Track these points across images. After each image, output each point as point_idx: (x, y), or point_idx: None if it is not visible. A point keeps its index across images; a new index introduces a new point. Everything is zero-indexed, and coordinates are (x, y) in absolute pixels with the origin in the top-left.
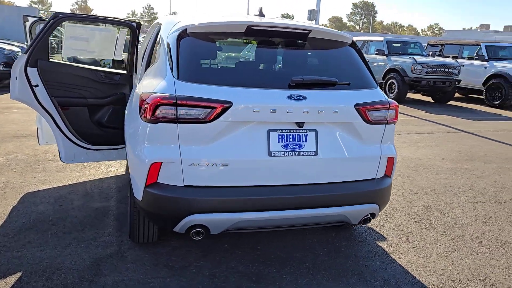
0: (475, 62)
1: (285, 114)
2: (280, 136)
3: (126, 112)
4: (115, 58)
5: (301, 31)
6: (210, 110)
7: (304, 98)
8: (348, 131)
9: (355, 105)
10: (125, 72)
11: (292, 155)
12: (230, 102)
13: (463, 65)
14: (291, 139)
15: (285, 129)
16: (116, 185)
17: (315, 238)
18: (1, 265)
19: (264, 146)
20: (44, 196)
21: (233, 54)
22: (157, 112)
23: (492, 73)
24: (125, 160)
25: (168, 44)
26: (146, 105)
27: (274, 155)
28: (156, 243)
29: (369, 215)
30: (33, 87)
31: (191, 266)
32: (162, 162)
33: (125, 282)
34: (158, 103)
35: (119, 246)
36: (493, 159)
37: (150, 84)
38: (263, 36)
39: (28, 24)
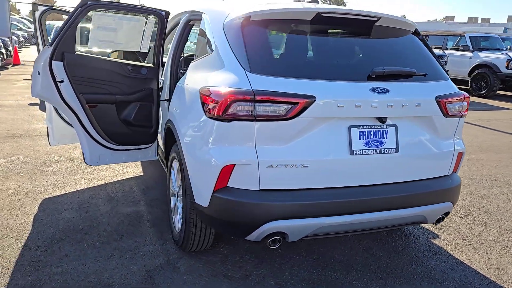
0: (460, 53)
1: (369, 108)
2: (361, 133)
3: (173, 109)
4: (142, 50)
5: (370, 19)
6: (291, 106)
7: (387, 91)
8: (426, 126)
9: (436, 97)
10: (152, 65)
11: (373, 153)
12: (313, 97)
13: None
14: (372, 136)
15: (366, 125)
16: (139, 187)
17: (367, 238)
18: (42, 284)
19: (345, 144)
20: (65, 202)
21: (302, 44)
22: (231, 109)
23: (477, 63)
24: (140, 161)
25: (227, 33)
26: (214, 102)
27: (356, 154)
28: (205, 251)
29: (444, 214)
30: (58, 83)
31: (252, 275)
32: (235, 165)
33: None
34: (233, 100)
35: (167, 255)
36: (502, 149)
37: (210, 78)
38: (331, 23)
39: (37, 14)
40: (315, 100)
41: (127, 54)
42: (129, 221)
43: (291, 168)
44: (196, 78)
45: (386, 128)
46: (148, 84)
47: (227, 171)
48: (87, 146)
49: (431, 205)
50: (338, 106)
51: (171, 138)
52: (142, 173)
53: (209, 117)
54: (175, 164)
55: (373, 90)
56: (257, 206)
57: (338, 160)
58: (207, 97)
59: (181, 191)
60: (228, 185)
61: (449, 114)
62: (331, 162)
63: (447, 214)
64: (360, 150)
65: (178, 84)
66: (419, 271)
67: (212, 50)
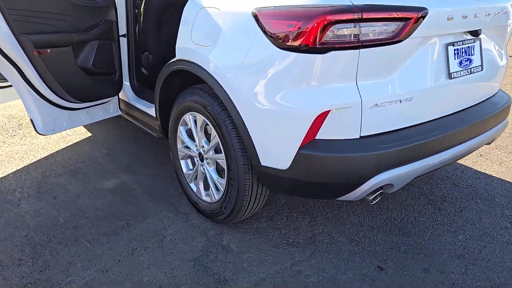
0: None
1: (470, 19)
2: (456, 51)
3: (190, 44)
4: None
5: None
6: (402, 23)
7: None
8: (498, 37)
9: None
10: None
11: (466, 74)
12: (425, 9)
13: None
14: (463, 54)
15: (459, 41)
16: (100, 153)
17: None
18: None
19: (443, 66)
20: (13, 189)
21: None
22: (329, 34)
23: None
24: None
25: None
26: (297, 27)
27: (453, 77)
28: (238, 223)
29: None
30: None
31: (316, 236)
32: (329, 111)
33: (266, 281)
34: (333, 21)
35: (203, 234)
36: None
37: None
38: None
39: None
40: (427, 14)
41: None
42: (121, 198)
43: (395, 105)
44: None
45: (474, 42)
46: (105, 15)
47: (319, 120)
48: (36, 109)
49: (499, 124)
50: (448, 19)
51: (173, 83)
52: (89, 134)
53: (288, 49)
54: (191, 119)
55: None
56: (362, 158)
57: (439, 87)
58: (279, 22)
59: (211, 152)
60: (316, 138)
61: None
62: (432, 91)
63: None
64: (456, 72)
65: (189, 8)
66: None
67: None
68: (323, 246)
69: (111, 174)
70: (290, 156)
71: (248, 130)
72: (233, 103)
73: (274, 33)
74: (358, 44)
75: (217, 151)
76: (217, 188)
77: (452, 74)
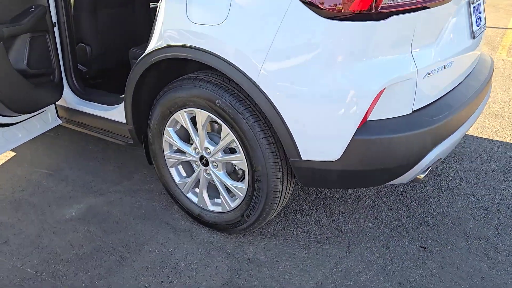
0: None
1: None
2: (474, 9)
3: (209, 21)
4: None
5: None
6: None
7: None
8: None
9: None
10: None
11: (480, 33)
12: None
13: None
14: (477, 11)
15: None
16: (51, 169)
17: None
18: None
19: (468, 26)
20: None
21: None
22: None
23: None
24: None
25: None
26: None
27: (474, 37)
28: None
29: None
30: None
31: (342, 228)
32: (385, 87)
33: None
34: None
35: (220, 249)
36: None
37: None
38: None
39: None
40: None
41: None
42: (98, 227)
43: (441, 72)
44: None
45: None
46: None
47: (376, 99)
48: None
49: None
50: None
51: (150, 77)
52: (12, 153)
53: (338, 19)
54: (186, 117)
55: None
56: (420, 135)
57: (466, 49)
58: None
59: (220, 153)
60: (368, 120)
61: None
62: (463, 53)
63: None
64: (476, 31)
65: None
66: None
67: None
68: (355, 236)
69: (68, 199)
70: (343, 145)
71: (285, 121)
72: (262, 91)
73: (319, 0)
74: (418, 6)
75: (226, 151)
76: (230, 194)
77: (474, 33)
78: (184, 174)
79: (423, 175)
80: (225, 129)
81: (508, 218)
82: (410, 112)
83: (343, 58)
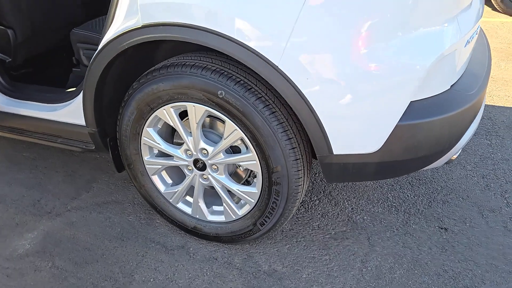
0: None
1: None
2: None
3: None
4: None
5: None
6: None
7: None
8: None
9: None
10: None
11: None
12: None
13: None
14: None
15: None
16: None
17: None
18: None
19: None
20: None
21: None
22: None
23: None
24: None
25: None
26: None
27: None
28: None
29: None
30: None
31: (354, 217)
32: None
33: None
34: None
35: (230, 266)
36: None
37: None
38: None
39: None
40: None
41: None
42: (66, 259)
43: (474, 38)
44: None
45: None
46: None
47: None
48: None
49: None
50: None
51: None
52: None
53: None
54: (173, 113)
55: None
56: (463, 113)
57: (480, 14)
58: None
59: (220, 155)
60: (411, 100)
61: None
62: (479, 18)
63: None
64: None
65: None
66: None
67: None
68: (371, 226)
69: (15, 227)
70: (385, 134)
71: (316, 112)
72: (285, 77)
73: None
74: None
75: (228, 151)
76: (235, 200)
77: None
78: (170, 181)
79: (456, 156)
80: (230, 126)
81: (509, 184)
82: (449, 87)
83: (389, 30)
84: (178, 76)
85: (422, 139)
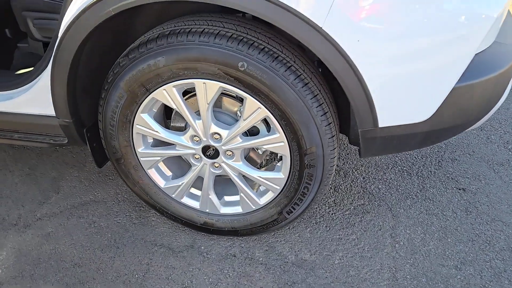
0: None
1: None
2: None
3: None
4: None
5: None
6: None
7: None
8: None
9: None
10: None
11: None
12: None
13: None
14: None
15: None
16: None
17: None
18: None
19: None
20: None
21: None
22: None
23: None
24: None
25: None
26: None
27: None
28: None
29: None
30: None
31: (369, 187)
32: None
33: (409, 277)
34: None
35: (254, 262)
36: None
37: None
38: None
39: None
40: None
41: None
42: (61, 280)
43: None
44: None
45: None
46: None
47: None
48: None
49: None
50: None
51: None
52: None
53: None
54: (176, 93)
55: None
56: (507, 71)
57: None
58: None
59: (237, 139)
60: None
61: None
62: None
63: None
64: None
65: None
66: None
67: None
68: (388, 195)
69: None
70: (440, 99)
71: (364, 79)
72: (331, 41)
73: None
74: None
75: (244, 134)
76: (254, 189)
77: None
78: (170, 174)
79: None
80: (252, 104)
81: (508, 135)
82: (493, 41)
83: None
84: (183, 47)
85: (476, 101)
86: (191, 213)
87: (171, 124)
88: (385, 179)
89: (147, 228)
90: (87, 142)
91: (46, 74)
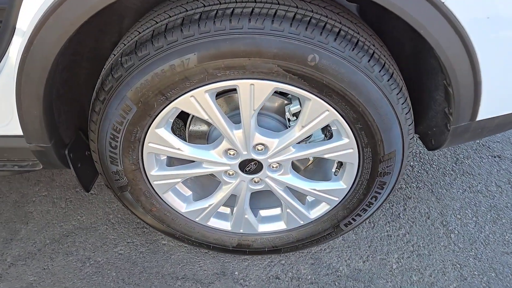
0: None
1: None
2: None
3: None
4: None
5: None
6: None
7: None
8: None
9: None
10: None
11: None
12: None
13: None
14: None
15: None
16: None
17: None
18: None
19: None
20: None
21: None
22: None
23: None
24: None
25: None
26: None
27: None
28: None
29: None
30: None
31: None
32: None
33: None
34: None
35: (299, 279)
36: None
37: None
38: None
39: None
40: None
41: None
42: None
43: None
44: None
45: None
46: None
47: None
48: None
49: None
50: None
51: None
52: None
53: None
54: (209, 99)
55: None
56: None
57: None
58: None
59: (290, 150)
60: None
61: None
62: None
63: None
64: None
65: None
66: None
67: None
68: (425, 174)
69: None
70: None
71: (480, 67)
72: (452, 21)
73: None
74: None
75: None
76: (302, 202)
77: None
78: (189, 193)
79: None
80: (317, 106)
81: None
82: None
83: None
84: (226, 37)
85: None
86: (220, 236)
87: (190, 128)
88: (415, 155)
89: (159, 256)
90: (71, 166)
91: (7, 70)
